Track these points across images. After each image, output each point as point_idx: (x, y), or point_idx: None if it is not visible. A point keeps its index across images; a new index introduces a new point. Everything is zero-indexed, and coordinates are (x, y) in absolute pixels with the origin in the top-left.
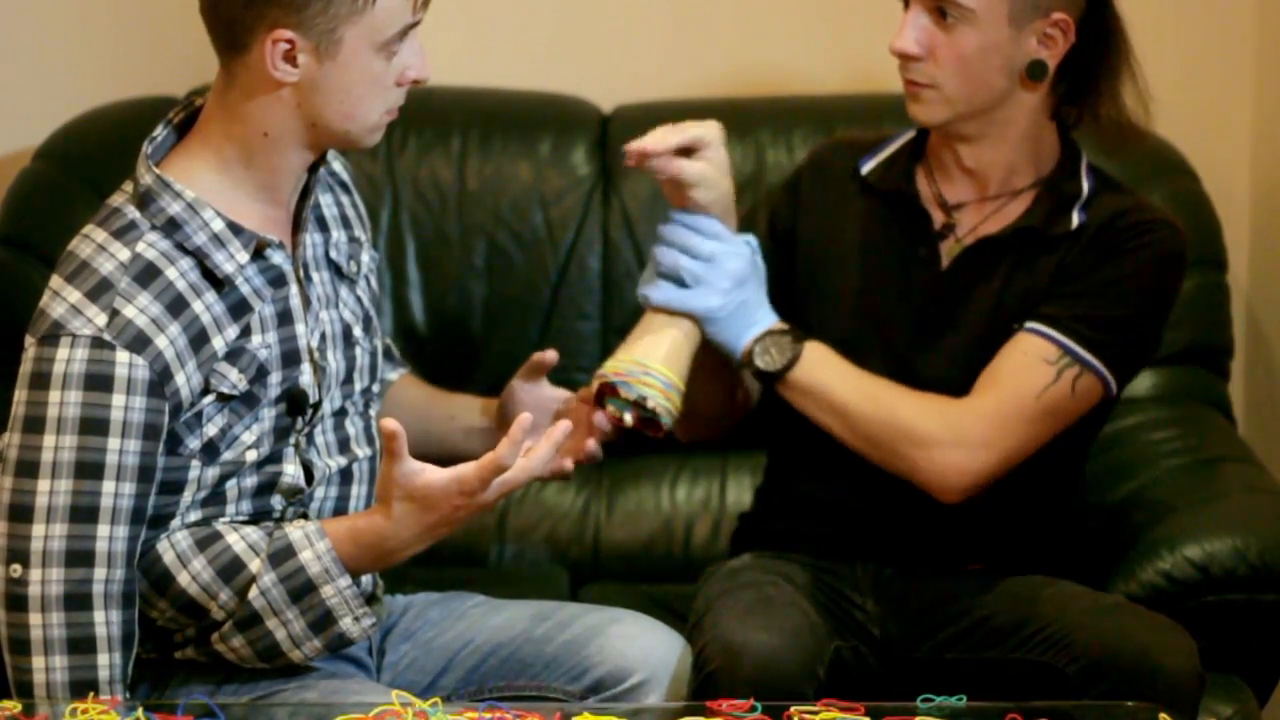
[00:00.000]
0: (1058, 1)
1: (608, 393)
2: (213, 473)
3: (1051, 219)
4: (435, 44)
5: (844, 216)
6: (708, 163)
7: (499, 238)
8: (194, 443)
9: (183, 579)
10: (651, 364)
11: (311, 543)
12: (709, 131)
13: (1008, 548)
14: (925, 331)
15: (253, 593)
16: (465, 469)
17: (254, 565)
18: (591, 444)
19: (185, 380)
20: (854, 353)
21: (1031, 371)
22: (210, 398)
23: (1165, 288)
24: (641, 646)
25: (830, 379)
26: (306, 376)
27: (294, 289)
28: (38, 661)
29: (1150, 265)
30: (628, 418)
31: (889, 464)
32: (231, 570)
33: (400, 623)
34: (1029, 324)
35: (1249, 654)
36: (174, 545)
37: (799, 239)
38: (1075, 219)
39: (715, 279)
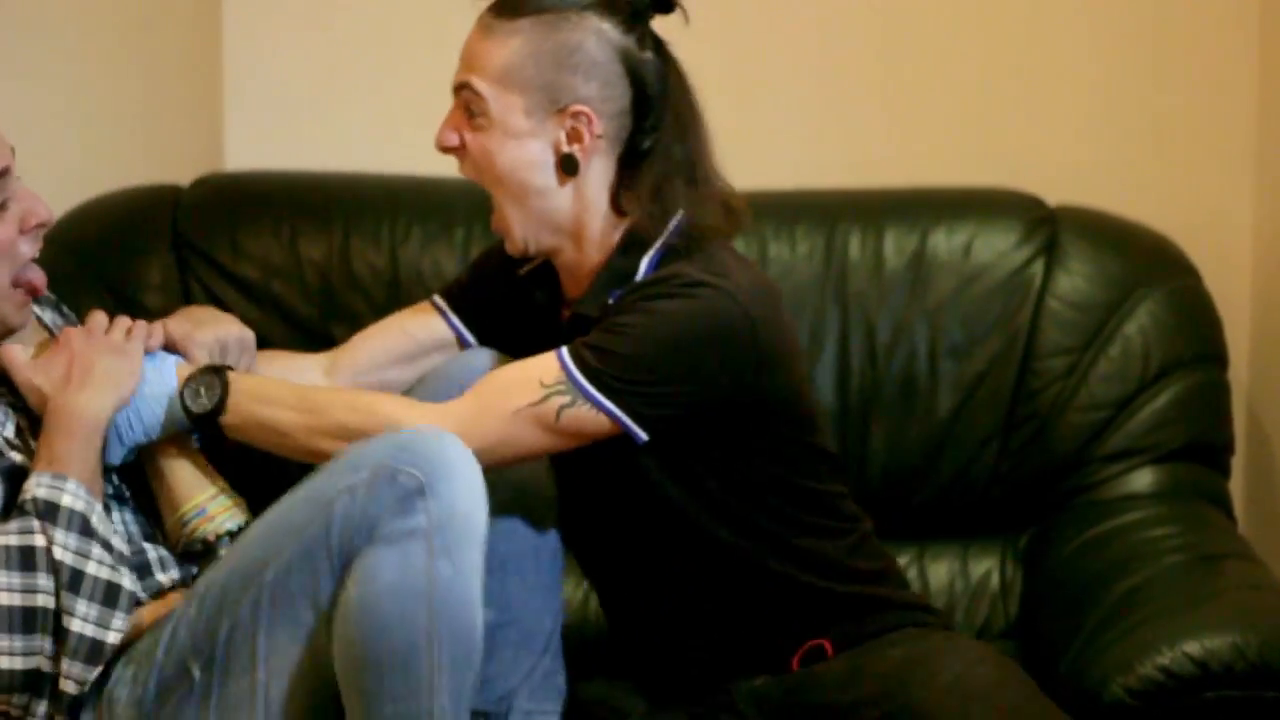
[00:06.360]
0: (576, 95)
1: (199, 554)
2: None
3: (603, 304)
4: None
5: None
6: None
7: None
8: None
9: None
10: (186, 513)
11: (64, 485)
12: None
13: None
14: None
15: (56, 552)
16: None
17: (39, 540)
18: None
19: None
20: None
21: (519, 386)
22: None
23: (690, 340)
24: None
25: (262, 406)
26: (18, 458)
27: None
28: None
29: (673, 313)
30: (225, 552)
31: None
32: (26, 556)
33: None
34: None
35: None
36: None
37: None
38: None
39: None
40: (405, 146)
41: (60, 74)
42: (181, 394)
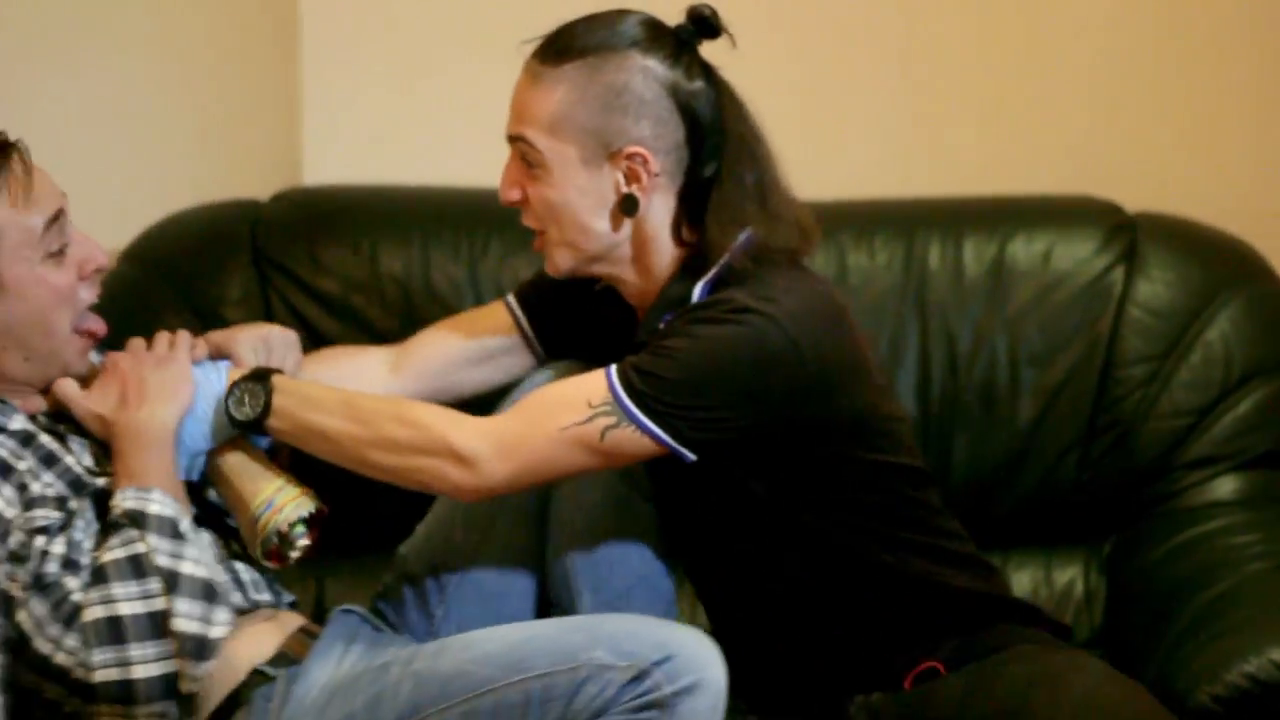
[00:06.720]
0: (629, 136)
1: (281, 551)
2: (87, 566)
3: (653, 329)
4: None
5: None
6: None
7: None
8: (52, 567)
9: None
10: (256, 511)
11: (150, 495)
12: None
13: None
14: None
15: (158, 559)
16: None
17: (141, 547)
18: None
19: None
20: None
21: (566, 405)
22: (42, 539)
23: (732, 365)
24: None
25: (307, 411)
26: (101, 482)
27: (45, 437)
28: None
29: (717, 338)
30: (304, 542)
31: (402, 479)
32: (135, 565)
33: None
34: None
35: None
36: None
37: None
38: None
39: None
40: (483, 159)
41: (140, 91)
42: (226, 400)
